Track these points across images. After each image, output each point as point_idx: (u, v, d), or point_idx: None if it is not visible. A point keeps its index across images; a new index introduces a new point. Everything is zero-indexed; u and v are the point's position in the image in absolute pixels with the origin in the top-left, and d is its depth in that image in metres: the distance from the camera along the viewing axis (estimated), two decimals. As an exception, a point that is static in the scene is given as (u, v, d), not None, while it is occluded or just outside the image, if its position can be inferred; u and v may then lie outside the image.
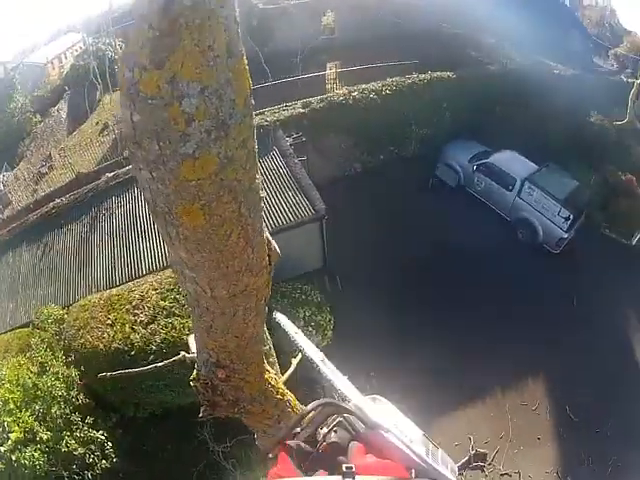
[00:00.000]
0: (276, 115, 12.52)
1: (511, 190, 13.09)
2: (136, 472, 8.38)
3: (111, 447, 8.20)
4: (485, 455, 9.71)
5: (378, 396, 2.04)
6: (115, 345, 8.32)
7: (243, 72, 1.06)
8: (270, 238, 1.68)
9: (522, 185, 12.88)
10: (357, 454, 1.68)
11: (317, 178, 11.57)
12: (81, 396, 8.46)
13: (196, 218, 1.20)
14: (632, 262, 12.83)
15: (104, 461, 8.07)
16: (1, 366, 8.14)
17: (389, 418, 1.87)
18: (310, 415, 1.81)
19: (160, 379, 8.22)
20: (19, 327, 10.40)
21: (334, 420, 1.80)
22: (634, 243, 13.42)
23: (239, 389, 2.32)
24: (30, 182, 16.25)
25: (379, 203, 13.00)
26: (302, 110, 12.88)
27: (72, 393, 8.33)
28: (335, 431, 1.76)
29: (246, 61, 1.09)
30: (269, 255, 1.65)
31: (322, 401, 1.85)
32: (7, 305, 11.75)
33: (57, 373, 8.29)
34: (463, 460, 9.52)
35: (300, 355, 2.77)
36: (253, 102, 1.18)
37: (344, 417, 1.81)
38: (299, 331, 2.86)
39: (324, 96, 13.31)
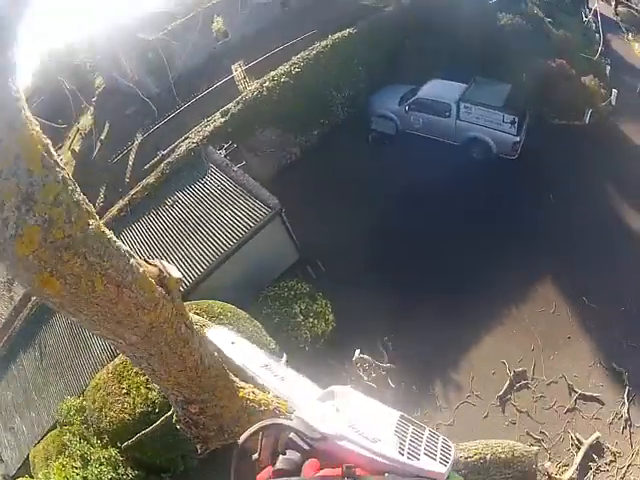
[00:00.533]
0: (200, 133, 12.45)
1: (449, 116, 13.06)
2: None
3: (174, 507, 8.19)
4: (524, 372, 9.79)
5: (338, 387, 1.83)
6: (138, 410, 8.31)
7: (30, 138, 1.10)
8: (163, 264, 1.66)
9: (458, 107, 12.86)
10: (308, 472, 1.52)
11: (261, 177, 11.54)
12: (129, 470, 8.48)
13: (53, 285, 1.25)
14: (591, 139, 12.94)
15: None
16: (49, 474, 8.18)
17: (350, 413, 1.66)
18: (258, 438, 1.64)
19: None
20: (48, 431, 10.42)
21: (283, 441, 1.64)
22: (587, 121, 13.48)
23: (218, 417, 2.32)
24: (3, 292, 16.03)
25: (329, 177, 12.93)
26: (223, 119, 12.78)
27: (120, 471, 8.36)
28: (283, 453, 1.61)
29: (32, 122, 1.12)
30: (164, 284, 1.63)
31: (257, 425, 1.66)
32: (30, 415, 11.75)
33: (99, 459, 8.33)
34: (506, 386, 9.58)
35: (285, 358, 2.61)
36: (54, 153, 1.19)
37: (294, 434, 1.62)
38: (237, 340, 2.57)
39: (239, 98, 13.17)
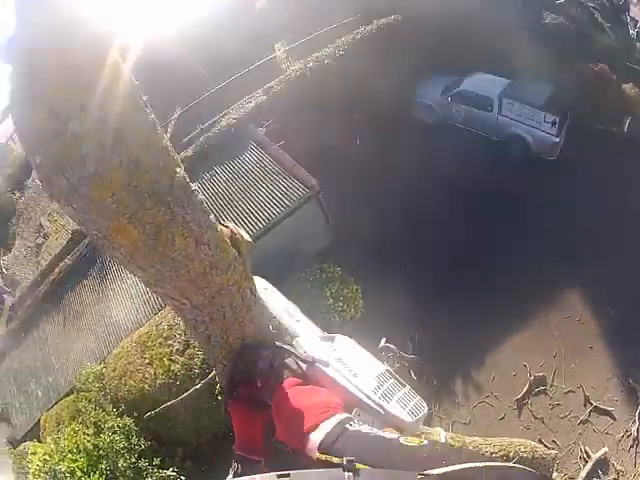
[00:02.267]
0: (242, 110, 12.35)
1: (491, 110, 12.95)
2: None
3: (185, 481, 8.25)
4: (544, 378, 9.73)
5: (340, 335, 1.99)
6: (159, 381, 8.41)
7: (120, 73, 1.01)
8: (235, 228, 1.62)
9: (500, 102, 12.73)
10: (284, 385, 1.64)
11: (300, 158, 11.33)
12: (142, 441, 8.52)
13: (129, 234, 1.15)
14: (630, 147, 12.57)
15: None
16: (59, 439, 8.22)
17: (342, 353, 1.80)
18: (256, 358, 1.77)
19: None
20: (64, 397, 10.58)
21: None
22: (626, 130, 13.24)
23: None
24: (31, 256, 16.34)
25: (368, 163, 12.67)
26: (264, 97, 12.69)
27: (133, 441, 8.39)
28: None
29: (117, 53, 1.03)
30: (237, 246, 1.58)
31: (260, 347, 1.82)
32: (46, 380, 11.94)
33: (113, 427, 8.36)
34: (525, 390, 9.54)
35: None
36: (144, 97, 1.13)
37: (292, 357, 1.77)
38: (269, 286, 2.87)
39: (281, 77, 13.07)
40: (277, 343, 1.81)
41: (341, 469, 1.12)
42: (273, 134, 11.92)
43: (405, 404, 1.65)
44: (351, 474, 1.07)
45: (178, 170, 1.22)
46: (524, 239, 11.10)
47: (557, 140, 12.30)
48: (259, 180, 10.70)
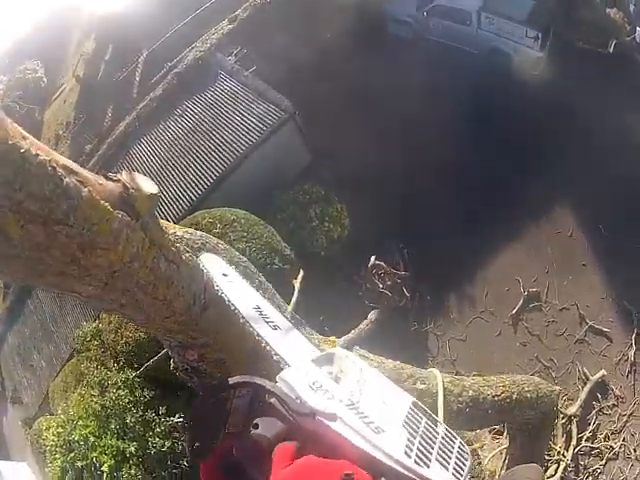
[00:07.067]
0: (208, 42, 12.05)
1: (469, 25, 12.69)
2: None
3: (193, 424, 8.33)
4: (538, 294, 9.75)
5: (340, 350, 1.44)
6: (153, 327, 8.33)
7: None
8: (129, 178, 1.17)
9: (479, 16, 12.46)
10: (278, 461, 1.15)
11: (273, 82, 11.07)
12: (146, 392, 8.44)
13: None
14: (615, 68, 12.25)
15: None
16: (68, 408, 8.13)
17: (351, 388, 1.26)
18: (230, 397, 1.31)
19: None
20: (66, 362, 10.52)
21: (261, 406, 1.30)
22: (611, 51, 12.93)
23: (221, 362, 1.88)
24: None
25: (342, 81, 12.29)
26: (230, 26, 12.36)
27: (137, 394, 8.32)
28: (255, 426, 1.25)
29: None
30: (129, 205, 1.13)
31: (235, 379, 1.32)
32: (48, 349, 11.95)
33: (116, 383, 8.30)
34: (519, 305, 9.57)
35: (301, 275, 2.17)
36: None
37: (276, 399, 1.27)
38: (230, 272, 2.15)
39: (247, 3, 12.71)
40: (257, 380, 1.31)
41: None
42: (243, 62, 11.68)
43: (447, 459, 1.17)
44: None
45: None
46: (509, 154, 10.85)
47: (541, 54, 12.10)
48: (232, 108, 10.53)
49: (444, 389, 3.40)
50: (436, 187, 10.38)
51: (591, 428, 8.51)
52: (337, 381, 1.30)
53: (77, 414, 7.76)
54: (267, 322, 1.81)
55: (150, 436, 7.78)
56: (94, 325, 9.70)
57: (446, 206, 10.07)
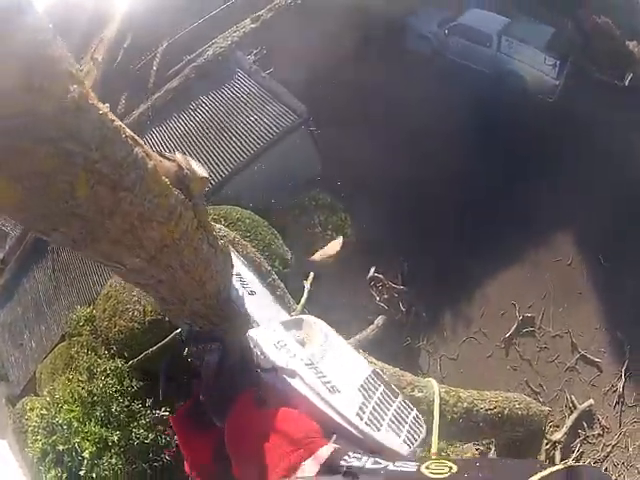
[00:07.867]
0: (229, 39, 12.02)
1: (489, 46, 12.82)
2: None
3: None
4: (533, 319, 9.82)
5: (309, 317, 1.49)
6: (149, 318, 8.28)
7: None
8: (184, 160, 1.22)
9: (499, 39, 12.61)
10: (241, 404, 1.25)
11: (291, 86, 11.07)
12: (134, 382, 8.37)
13: (6, 194, 0.77)
14: (630, 101, 12.29)
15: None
16: (54, 390, 8.08)
17: (314, 350, 1.33)
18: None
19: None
20: (57, 344, 10.36)
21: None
22: (627, 84, 13.08)
23: None
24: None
25: (360, 92, 12.30)
26: (253, 25, 12.36)
27: (125, 383, 8.28)
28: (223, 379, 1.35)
29: None
30: (184, 185, 1.17)
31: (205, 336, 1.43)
32: (39, 330, 11.87)
33: (105, 370, 8.26)
34: (513, 329, 9.63)
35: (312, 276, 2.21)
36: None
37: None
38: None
39: (271, 5, 12.72)
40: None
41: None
42: (262, 62, 11.69)
43: (399, 428, 1.22)
44: None
45: (73, 87, 0.78)
46: (515, 177, 10.91)
47: (557, 82, 12.25)
48: (246, 107, 10.50)
49: (440, 398, 3.45)
50: (442, 202, 10.53)
51: (574, 455, 8.52)
52: (302, 344, 1.37)
53: (63, 398, 7.71)
54: (244, 287, 1.89)
55: (134, 427, 7.73)
56: (88, 310, 9.65)
57: (451, 223, 10.21)
